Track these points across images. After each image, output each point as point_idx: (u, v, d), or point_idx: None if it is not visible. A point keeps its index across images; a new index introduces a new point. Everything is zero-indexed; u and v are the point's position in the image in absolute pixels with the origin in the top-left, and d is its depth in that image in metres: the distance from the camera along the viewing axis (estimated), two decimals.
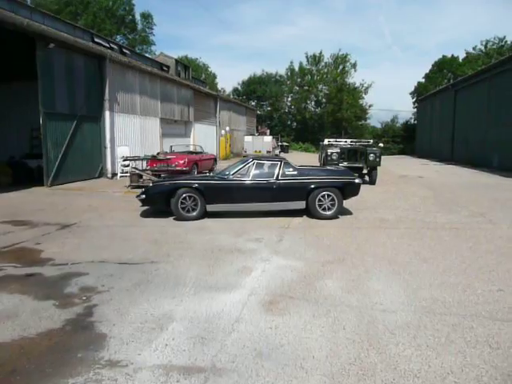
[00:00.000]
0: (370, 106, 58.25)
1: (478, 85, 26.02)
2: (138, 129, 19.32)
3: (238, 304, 4.21)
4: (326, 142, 15.97)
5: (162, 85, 21.79)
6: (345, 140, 16.70)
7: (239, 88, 63.75)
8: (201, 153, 18.04)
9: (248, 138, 31.34)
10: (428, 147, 37.48)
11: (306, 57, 58.14)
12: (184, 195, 8.13)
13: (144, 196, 8.45)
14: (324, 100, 58.03)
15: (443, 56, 56.94)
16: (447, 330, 3.67)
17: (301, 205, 8.44)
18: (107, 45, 23.11)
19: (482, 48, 53.43)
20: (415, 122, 58.48)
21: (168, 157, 14.44)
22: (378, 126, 62.29)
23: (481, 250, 6.24)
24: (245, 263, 5.50)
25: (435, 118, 35.95)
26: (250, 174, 8.43)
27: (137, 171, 13.30)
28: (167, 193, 8.25)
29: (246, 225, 7.86)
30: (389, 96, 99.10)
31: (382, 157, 14.91)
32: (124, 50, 27.49)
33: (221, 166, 23.29)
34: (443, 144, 32.69)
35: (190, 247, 6.33)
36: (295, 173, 8.52)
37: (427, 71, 58.72)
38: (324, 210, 8.36)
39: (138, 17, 56.55)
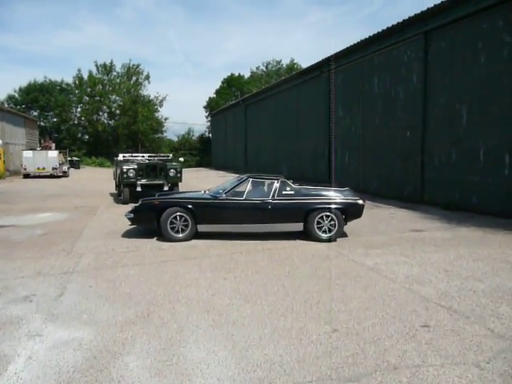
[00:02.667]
0: (165, 119, 58.03)
1: (265, 100, 27.98)
2: None
3: None
4: (120, 157, 14.24)
5: None
6: (142, 155, 15.28)
7: (16, 96, 55.34)
8: None
9: (27, 154, 26.75)
10: (224, 159, 38.92)
11: (96, 65, 54.36)
12: (174, 214, 7.57)
13: (132, 215, 7.92)
14: (118, 112, 55.06)
15: (231, 74, 60.79)
16: None
17: (298, 227, 7.80)
18: None
19: (264, 68, 58.97)
20: (210, 134, 60.97)
21: None
22: (175, 138, 62.52)
23: (299, 275, 5.71)
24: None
25: (229, 132, 37.57)
26: (244, 193, 7.83)
27: None
28: (156, 211, 7.68)
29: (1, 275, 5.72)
30: (183, 109, 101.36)
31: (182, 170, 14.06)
32: None
33: None
34: (238, 156, 34.27)
35: None
36: (293, 192, 7.87)
37: (218, 87, 61.79)
38: (324, 232, 7.68)
39: None
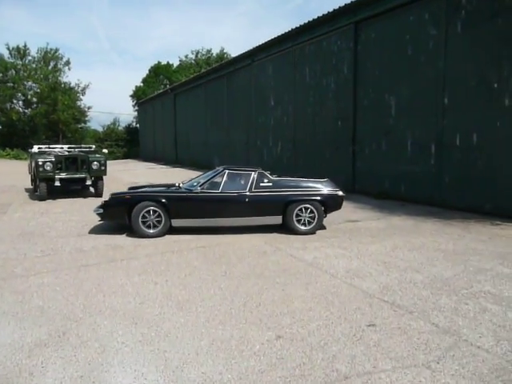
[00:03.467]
0: (88, 108, 54.63)
1: (195, 90, 27.14)
2: None
3: None
4: (35, 149, 12.91)
5: None
6: (61, 146, 13.98)
7: None
8: None
9: None
10: (152, 150, 37.49)
11: (8, 48, 49.62)
12: (146, 209, 7.19)
13: (102, 210, 7.44)
14: (35, 100, 50.95)
15: (158, 62, 58.71)
16: None
17: (277, 220, 7.54)
18: None
19: (193, 57, 57.62)
20: (137, 125, 58.62)
21: None
22: (100, 129, 59.36)
23: (236, 274, 5.32)
24: None
25: (157, 121, 36.17)
26: (220, 186, 7.51)
27: None
28: (128, 206, 7.27)
29: None
30: (108, 99, 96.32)
31: (108, 162, 13.08)
32: None
33: None
34: (167, 147, 33.12)
35: None
36: (270, 184, 7.57)
37: (144, 75, 59.48)
38: (303, 225, 7.47)
39: None
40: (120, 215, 7.44)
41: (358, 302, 4.37)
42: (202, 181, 7.74)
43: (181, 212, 7.40)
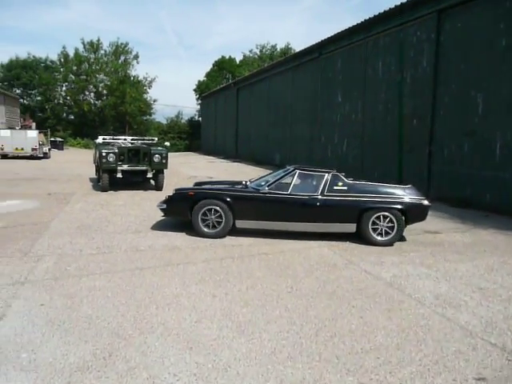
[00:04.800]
0: (154, 101, 56.10)
1: (259, 84, 26.65)
2: None
3: None
4: (100, 139, 12.95)
5: None
6: (124, 138, 13.97)
7: None
8: None
9: (5, 133, 25.13)
10: (213, 144, 37.60)
11: (83, 43, 51.87)
12: (208, 207, 6.82)
13: (165, 206, 7.16)
14: (105, 92, 53.03)
15: (222, 56, 58.99)
16: None
17: (351, 228, 6.77)
18: None
19: (258, 52, 57.35)
20: (199, 118, 59.41)
21: None
22: (164, 121, 60.78)
23: (304, 291, 4.66)
24: None
25: (219, 115, 36.18)
26: (290, 187, 6.90)
27: None
28: (191, 203, 6.90)
29: None
30: (173, 92, 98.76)
31: (169, 154, 12.85)
32: None
33: None
34: (228, 141, 33.01)
35: None
36: (345, 188, 6.81)
37: (208, 70, 60.06)
38: (380, 234, 6.64)
39: None
40: (183, 212, 7.07)
41: (457, 343, 3.55)
42: (271, 180, 7.16)
43: (246, 213, 6.89)
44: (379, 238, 6.68)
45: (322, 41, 17.87)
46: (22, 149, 24.86)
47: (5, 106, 33.42)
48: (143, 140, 13.62)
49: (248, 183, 7.43)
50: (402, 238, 6.99)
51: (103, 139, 13.00)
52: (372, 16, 14.07)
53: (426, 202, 6.89)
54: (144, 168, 11.87)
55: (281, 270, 5.36)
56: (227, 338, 3.54)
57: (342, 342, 3.51)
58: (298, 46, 55.25)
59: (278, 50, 56.24)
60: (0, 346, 3.30)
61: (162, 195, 10.61)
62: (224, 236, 6.88)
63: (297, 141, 20.74)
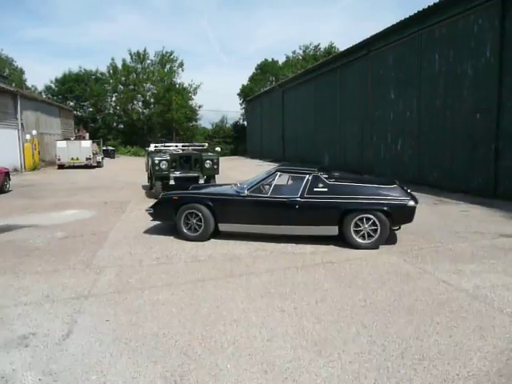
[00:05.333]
0: (199, 107, 56.95)
1: (304, 85, 26.25)
2: None
3: None
4: (152, 147, 13.07)
5: None
6: (175, 145, 14.03)
7: (53, 86, 55.65)
8: None
9: (61, 144, 26.22)
10: (259, 147, 37.49)
11: (130, 54, 53.62)
12: (189, 211, 6.92)
13: (152, 210, 7.35)
14: (152, 100, 54.46)
15: (265, 59, 59.02)
16: None
17: (332, 230, 6.50)
18: None
19: (301, 53, 56.90)
20: (244, 122, 59.69)
21: None
22: (209, 126, 61.58)
23: (379, 305, 4.28)
24: None
25: (265, 118, 36.05)
26: (270, 189, 6.83)
27: None
28: (175, 207, 7.04)
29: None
30: (216, 97, 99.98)
31: None
32: None
33: (24, 179, 18.35)
34: (274, 143, 32.79)
35: None
36: (326, 189, 6.57)
37: (251, 74, 60.25)
38: (362, 237, 6.35)
39: None
40: (168, 216, 7.24)
41: None
42: (253, 183, 7.09)
43: (227, 216, 6.88)
44: (362, 240, 6.36)
45: (370, 37, 17.25)
46: (77, 158, 25.82)
47: (60, 119, 34.89)
48: (194, 146, 13.63)
49: (238, 185, 7.42)
50: (475, 242, 6.43)
51: (155, 147, 13.11)
52: (426, 7, 13.36)
53: (411, 203, 6.39)
54: (196, 174, 11.82)
55: (349, 280, 5.01)
56: (304, 359, 3.25)
57: (433, 367, 3.13)
58: (341, 45, 54.19)
59: (322, 49, 55.50)
60: (69, 366, 3.19)
61: None
62: (206, 239, 6.90)
63: (346, 141, 20.16)
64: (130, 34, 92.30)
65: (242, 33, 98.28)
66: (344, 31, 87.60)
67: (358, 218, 6.32)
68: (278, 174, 7.00)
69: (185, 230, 6.97)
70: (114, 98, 55.67)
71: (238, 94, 62.19)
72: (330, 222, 6.47)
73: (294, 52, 58.28)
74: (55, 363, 3.24)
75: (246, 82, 60.12)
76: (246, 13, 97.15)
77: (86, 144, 26.29)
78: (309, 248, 6.43)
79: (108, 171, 23.89)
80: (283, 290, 4.72)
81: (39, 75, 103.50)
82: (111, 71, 54.09)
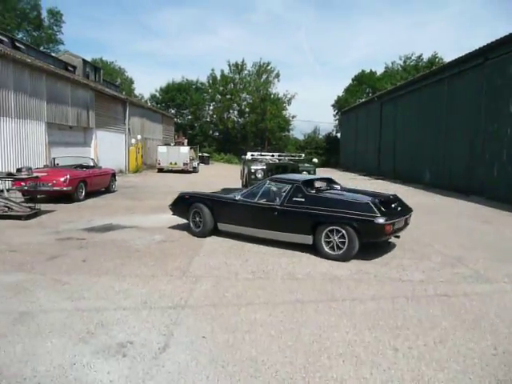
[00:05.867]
0: (293, 117, 57.04)
1: (406, 96, 24.92)
2: (12, 135, 15.08)
3: None
4: (248, 155, 13.07)
5: (49, 82, 17.66)
6: (271, 154, 13.93)
7: (157, 95, 59.64)
8: (93, 167, 14.26)
9: (162, 149, 27.71)
10: (353, 159, 36.41)
11: (229, 65, 55.60)
12: (195, 209, 7.89)
13: (171, 206, 8.58)
14: (247, 110, 55.79)
15: (362, 70, 57.56)
16: None
17: (307, 239, 6.77)
18: None
19: (401, 63, 54.62)
20: (337, 133, 58.65)
21: (38, 174, 10.60)
22: (301, 137, 61.44)
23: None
24: None
25: (360, 130, 34.95)
26: (258, 195, 7.45)
27: None
28: (187, 205, 8.10)
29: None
30: (309, 108, 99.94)
31: None
32: (17, 44, 22.87)
33: (127, 181, 19.62)
34: (369, 156, 31.59)
35: None
36: (303, 200, 6.86)
37: (347, 85, 59.09)
38: (332, 249, 6.47)
39: (44, 13, 50.42)
40: (183, 212, 8.22)
41: None
42: (248, 189, 8.03)
43: (224, 217, 7.66)
44: (331, 251, 6.45)
45: (486, 45, 15.78)
46: (176, 163, 27.07)
47: (162, 125, 37.03)
48: (291, 156, 13.39)
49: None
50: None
51: (251, 155, 13.09)
52: None
53: (379, 221, 6.13)
54: None
55: (472, 320, 4.31)
56: None
57: None
58: (446, 55, 51.02)
59: (425, 60, 52.72)
60: None
61: None
62: (205, 236, 7.72)
63: (452, 157, 18.61)
64: (230, 47, 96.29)
65: (338, 44, 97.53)
66: (451, 39, 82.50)
67: (328, 229, 6.48)
68: (267, 182, 7.72)
69: (192, 225, 7.94)
70: (211, 107, 58.11)
71: (332, 105, 61.43)
72: (304, 230, 6.74)
73: (393, 62, 56.14)
74: (151, 380, 3.08)
75: (340, 93, 59.19)
76: (343, 24, 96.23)
77: (184, 150, 27.46)
78: (417, 275, 5.76)
79: (203, 177, 24.65)
80: (393, 323, 4.18)
81: (146, 84, 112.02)
82: (210, 81, 56.48)
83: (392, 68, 56.40)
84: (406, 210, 7.12)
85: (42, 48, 42.19)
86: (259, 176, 11.22)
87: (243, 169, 13.56)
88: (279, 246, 7.09)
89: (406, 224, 7.02)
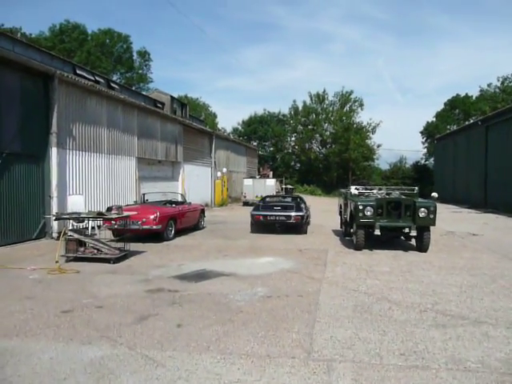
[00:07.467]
0: (378, 146, 54.31)
1: None
2: (105, 171, 15.02)
3: None
4: (353, 189, 11.53)
5: (140, 117, 17.72)
6: (379, 187, 12.23)
7: (239, 128, 60.54)
8: (182, 203, 13.58)
9: (248, 182, 27.09)
10: (451, 190, 33.08)
11: (310, 96, 54.85)
12: None
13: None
14: (329, 140, 54.25)
15: (457, 94, 53.86)
16: None
17: None
18: (91, 77, 19.42)
19: (499, 84, 50.25)
20: (426, 162, 54.88)
21: (128, 213, 9.94)
22: (384, 166, 58.55)
23: None
24: None
25: (460, 158, 31.79)
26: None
27: (75, 235, 8.84)
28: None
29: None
30: (389, 136, 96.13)
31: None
32: (112, 85, 23.89)
33: (214, 215, 18.90)
34: (472, 187, 28.37)
35: None
36: None
37: (437, 110, 55.56)
38: None
39: (135, 55, 54.10)
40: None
41: None
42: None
43: None
44: None
45: None
46: (261, 196, 26.13)
47: (246, 157, 36.71)
48: (401, 190, 11.62)
49: None
50: None
51: (356, 188, 11.53)
52: None
53: None
54: (405, 224, 9.78)
55: None
56: None
57: None
58: None
59: None
60: None
61: (435, 261, 8.65)
62: None
63: None
64: (310, 78, 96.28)
65: (420, 70, 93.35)
66: None
67: None
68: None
69: None
70: (293, 138, 57.50)
71: (420, 132, 58.03)
72: None
73: (489, 84, 51.76)
74: None
75: (430, 119, 55.75)
76: (425, 50, 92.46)
77: (271, 182, 26.58)
78: None
79: None
80: None
81: (228, 119, 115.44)
82: (292, 112, 56.10)
83: (487, 90, 52.02)
84: None
85: (133, 88, 44.70)
86: (368, 213, 9.59)
87: (343, 203, 12.03)
88: (416, 305, 5.43)
89: None
